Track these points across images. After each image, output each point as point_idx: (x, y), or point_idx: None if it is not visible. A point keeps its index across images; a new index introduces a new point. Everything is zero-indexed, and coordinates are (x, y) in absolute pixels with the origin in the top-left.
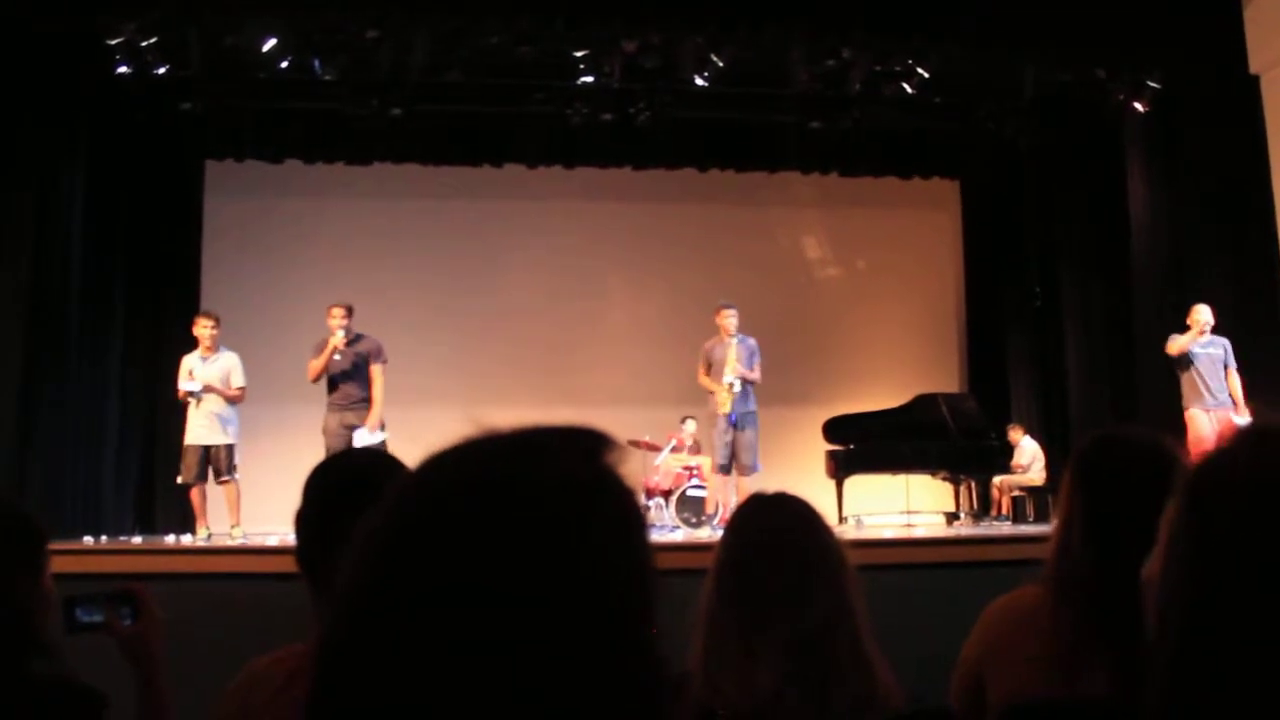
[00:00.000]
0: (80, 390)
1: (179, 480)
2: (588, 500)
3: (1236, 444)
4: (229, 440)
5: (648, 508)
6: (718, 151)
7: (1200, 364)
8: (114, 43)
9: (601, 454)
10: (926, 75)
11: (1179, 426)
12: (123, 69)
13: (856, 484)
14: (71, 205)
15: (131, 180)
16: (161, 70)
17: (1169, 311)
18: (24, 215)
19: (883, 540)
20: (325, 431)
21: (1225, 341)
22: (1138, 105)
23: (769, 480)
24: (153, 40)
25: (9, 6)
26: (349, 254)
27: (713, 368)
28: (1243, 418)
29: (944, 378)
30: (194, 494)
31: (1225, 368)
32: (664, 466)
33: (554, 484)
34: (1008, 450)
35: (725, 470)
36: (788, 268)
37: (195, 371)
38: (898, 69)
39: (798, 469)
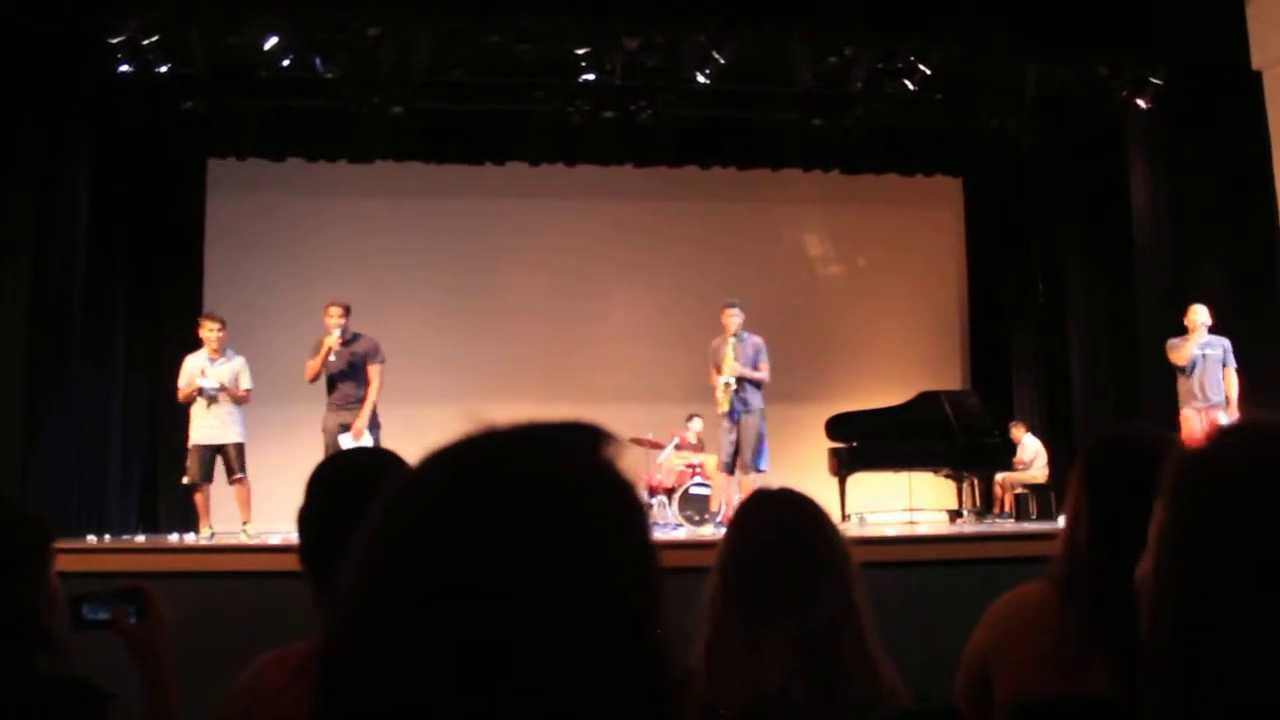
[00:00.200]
0: (83, 391)
1: (184, 481)
2: (587, 494)
3: (1221, 441)
4: (240, 439)
5: (650, 505)
6: (719, 149)
7: (1200, 365)
8: (115, 41)
9: (599, 448)
10: (928, 73)
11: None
12: (124, 68)
13: (859, 481)
14: (72, 205)
15: (133, 180)
16: (163, 69)
17: (1171, 308)
18: (24, 215)
19: (885, 538)
20: (325, 430)
21: (1225, 341)
22: (1140, 102)
23: (771, 478)
24: (154, 39)
25: (9, 6)
26: (351, 252)
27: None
28: (1230, 417)
29: (946, 375)
30: (198, 495)
31: (1224, 367)
32: (667, 464)
33: (553, 479)
34: (1010, 447)
35: (729, 469)
36: (790, 265)
37: (208, 371)
38: (900, 66)
39: (800, 467)
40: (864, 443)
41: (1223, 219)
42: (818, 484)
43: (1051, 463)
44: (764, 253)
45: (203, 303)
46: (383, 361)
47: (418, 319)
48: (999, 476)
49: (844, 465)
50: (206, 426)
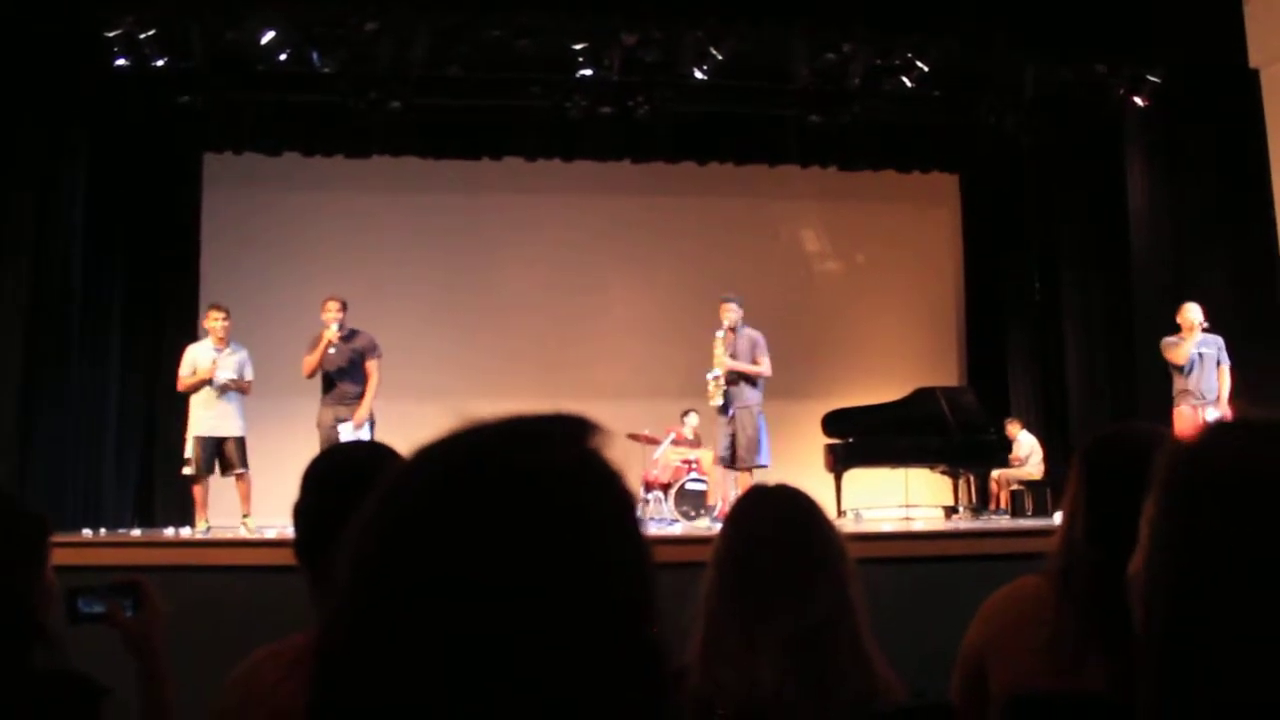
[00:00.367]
0: (80, 387)
1: (187, 472)
2: (579, 486)
3: (1212, 436)
4: (241, 432)
5: (646, 501)
6: (717, 145)
7: (1197, 365)
8: (112, 35)
9: (588, 439)
10: (926, 70)
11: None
12: (120, 62)
13: (855, 478)
14: (71, 204)
15: (131, 177)
16: (160, 63)
17: (1168, 306)
18: (24, 215)
19: (881, 534)
20: (320, 426)
21: (1219, 340)
22: (1138, 100)
23: (767, 473)
24: (151, 33)
25: (8, 6)
26: (348, 247)
27: None
28: (1219, 414)
29: (943, 372)
30: (198, 487)
31: (1218, 364)
32: (663, 460)
33: (545, 471)
34: (1006, 444)
35: (725, 463)
36: (787, 261)
37: (220, 362)
38: (898, 63)
39: (796, 462)
40: (860, 439)
41: (1221, 217)
42: (814, 480)
43: (1047, 460)
44: (761, 249)
45: (200, 297)
46: (380, 357)
47: (415, 314)
48: (995, 473)
49: (840, 461)
50: (209, 418)
